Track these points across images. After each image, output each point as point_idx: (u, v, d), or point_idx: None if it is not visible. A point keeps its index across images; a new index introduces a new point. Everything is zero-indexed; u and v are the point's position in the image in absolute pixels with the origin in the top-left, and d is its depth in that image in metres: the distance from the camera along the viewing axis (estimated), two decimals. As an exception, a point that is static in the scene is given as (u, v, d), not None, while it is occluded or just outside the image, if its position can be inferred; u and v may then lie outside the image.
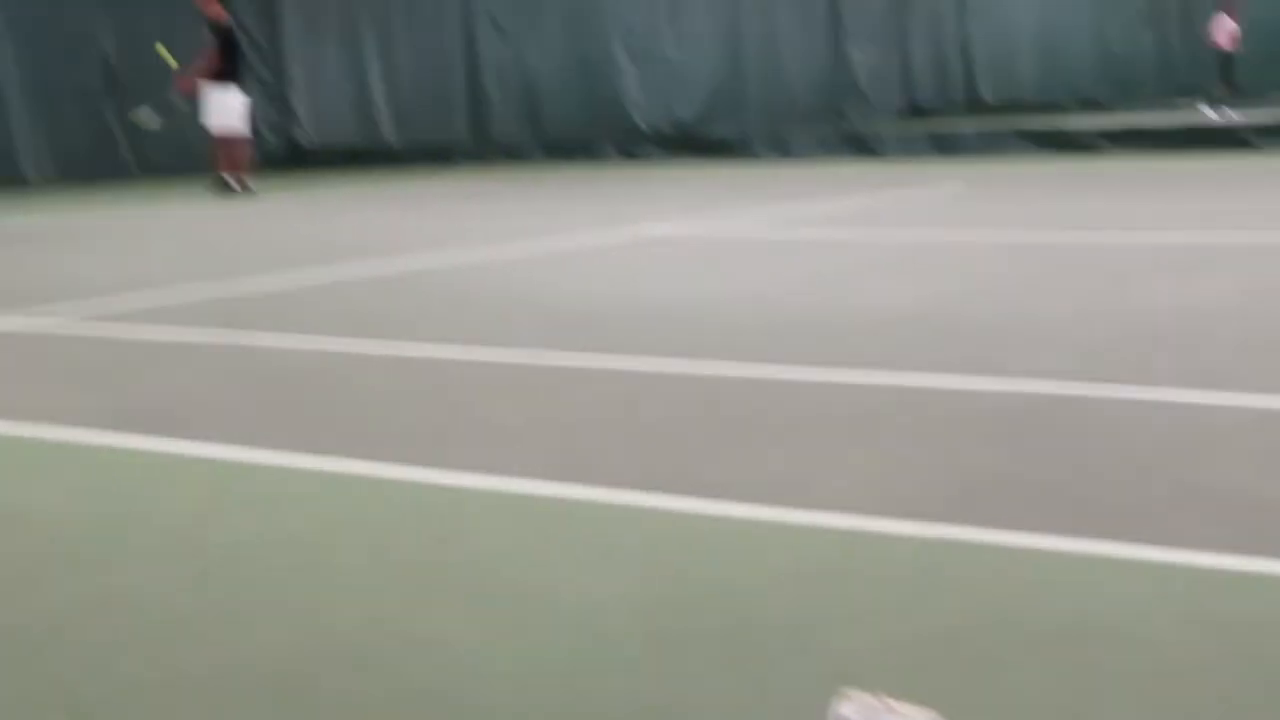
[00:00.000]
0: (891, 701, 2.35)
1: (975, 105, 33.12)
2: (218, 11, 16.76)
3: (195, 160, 20.12)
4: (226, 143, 16.75)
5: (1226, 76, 25.26)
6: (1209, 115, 21.02)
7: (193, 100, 16.73)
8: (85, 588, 3.38)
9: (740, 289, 8.05)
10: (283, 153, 21.74)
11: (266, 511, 3.97)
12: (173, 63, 16.87)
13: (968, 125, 22.48)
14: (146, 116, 16.95)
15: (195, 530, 3.79)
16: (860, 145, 20.59)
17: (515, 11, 25.07)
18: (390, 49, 23.30)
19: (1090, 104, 30.41)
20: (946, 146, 19.98)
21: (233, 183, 16.68)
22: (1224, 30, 24.97)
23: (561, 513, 3.88)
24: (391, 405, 5.26)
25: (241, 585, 3.35)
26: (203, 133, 17.00)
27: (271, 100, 21.81)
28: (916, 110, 32.66)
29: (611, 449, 4.51)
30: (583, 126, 25.88)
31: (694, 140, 23.75)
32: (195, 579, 3.41)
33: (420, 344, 6.49)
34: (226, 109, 16.63)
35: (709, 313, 7.20)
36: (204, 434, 4.82)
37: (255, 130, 20.45)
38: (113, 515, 3.98)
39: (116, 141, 20.19)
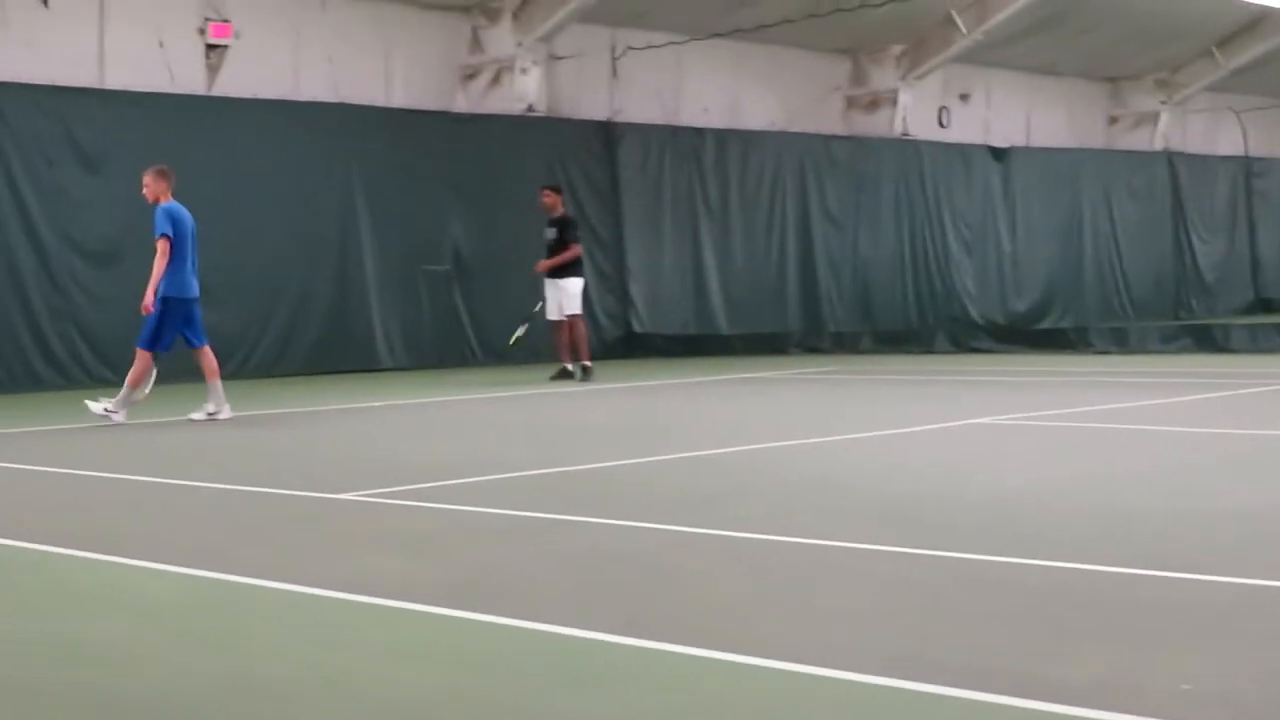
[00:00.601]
0: None
1: (1329, 298, 31.85)
2: (552, 203, 17.34)
3: (534, 348, 20.82)
4: (566, 328, 17.24)
5: None
6: None
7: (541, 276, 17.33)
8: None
9: (1073, 482, 7.82)
10: (619, 340, 22.27)
11: (592, 690, 3.99)
12: (518, 338, 17.54)
13: (1320, 319, 21.55)
14: (522, 332, 17.61)
15: (521, 705, 3.83)
16: (1204, 339, 19.93)
17: (849, 203, 25.31)
18: (725, 239, 23.77)
19: None
20: (1297, 341, 19.17)
21: (572, 369, 17.14)
22: None
23: (891, 704, 3.78)
24: (711, 588, 5.25)
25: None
26: (543, 322, 17.58)
27: (611, 290, 22.44)
28: (1265, 304, 31.56)
29: (940, 642, 4.39)
30: (915, 317, 25.81)
31: (1028, 332, 23.43)
32: (517, 752, 3.44)
33: (743, 529, 6.49)
34: (567, 296, 17.17)
35: (1039, 504, 7.01)
36: (528, 609, 4.89)
37: (594, 318, 21.06)
38: (439, 686, 4.05)
39: (464, 328, 21.02)
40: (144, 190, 12.72)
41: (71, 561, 6.10)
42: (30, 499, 8.24)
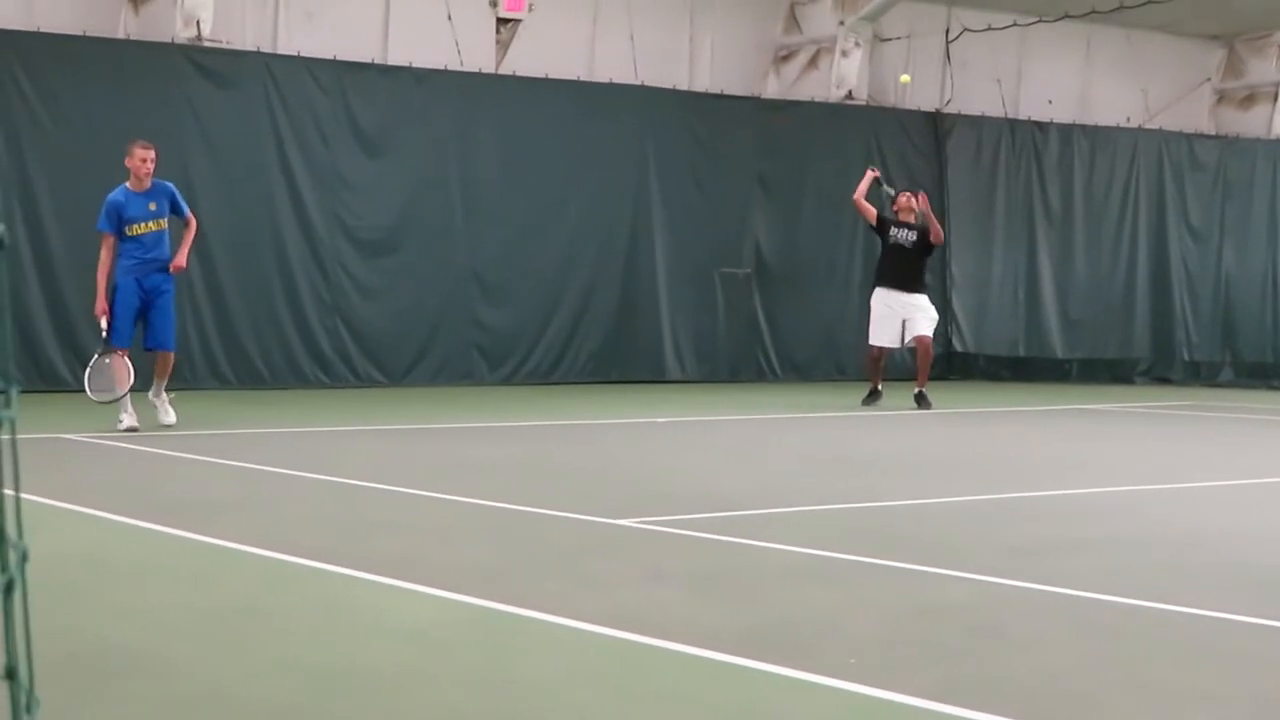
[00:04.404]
0: None
1: None
2: (913, 205, 16.55)
3: (840, 364, 20.76)
4: (881, 353, 16.65)
5: None
6: None
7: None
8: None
9: None
10: (937, 359, 21.95)
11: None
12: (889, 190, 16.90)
13: None
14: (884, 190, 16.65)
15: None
16: None
17: (1214, 213, 24.55)
18: (1066, 249, 23.32)
19: None
20: None
21: (881, 389, 16.63)
22: None
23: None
24: (1039, 654, 5.16)
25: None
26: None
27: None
28: None
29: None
30: (1288, 348, 24.91)
31: None
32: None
33: (1076, 586, 6.35)
34: (926, 316, 16.61)
35: None
36: (827, 665, 4.88)
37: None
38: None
39: (762, 340, 21.05)
40: (150, 164, 12.37)
41: (338, 580, 6.33)
42: (293, 510, 8.58)
